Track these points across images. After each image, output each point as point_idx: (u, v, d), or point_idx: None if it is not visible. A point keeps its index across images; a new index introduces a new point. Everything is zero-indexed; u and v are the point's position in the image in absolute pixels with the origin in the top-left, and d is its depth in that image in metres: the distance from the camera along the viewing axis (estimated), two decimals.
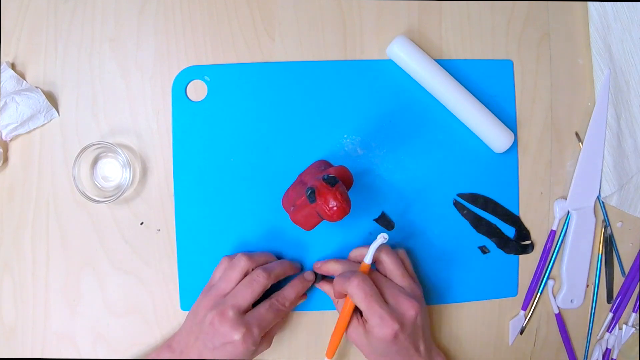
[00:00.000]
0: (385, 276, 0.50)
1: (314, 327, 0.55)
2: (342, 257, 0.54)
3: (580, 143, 0.57)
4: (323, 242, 0.54)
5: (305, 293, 0.53)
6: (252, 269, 0.50)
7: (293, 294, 0.51)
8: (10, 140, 0.53)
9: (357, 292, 0.46)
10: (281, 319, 0.51)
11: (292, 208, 0.49)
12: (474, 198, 0.55)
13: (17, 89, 0.52)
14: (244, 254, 0.50)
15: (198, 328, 0.47)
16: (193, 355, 0.47)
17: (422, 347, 0.48)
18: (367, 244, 0.54)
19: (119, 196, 0.51)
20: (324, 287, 0.53)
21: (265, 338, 0.49)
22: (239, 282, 0.49)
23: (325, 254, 0.54)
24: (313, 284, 0.53)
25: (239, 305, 0.47)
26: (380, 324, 0.45)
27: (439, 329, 0.56)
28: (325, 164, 0.53)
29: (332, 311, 0.55)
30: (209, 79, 0.54)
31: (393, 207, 0.55)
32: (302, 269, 0.54)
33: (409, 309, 0.46)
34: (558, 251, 0.56)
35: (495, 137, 0.53)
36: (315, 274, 0.54)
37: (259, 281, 0.48)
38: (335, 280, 0.49)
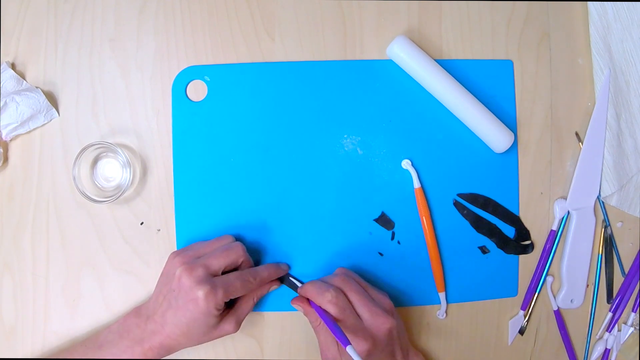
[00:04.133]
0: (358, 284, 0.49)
1: None
2: (342, 256, 0.54)
3: (580, 143, 0.57)
4: (323, 242, 0.54)
5: (278, 281, 0.53)
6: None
7: (265, 273, 0.50)
8: (10, 140, 0.53)
9: (331, 308, 0.46)
10: (249, 296, 0.50)
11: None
12: (474, 198, 0.55)
13: (17, 89, 0.52)
14: (242, 247, 0.50)
15: (167, 288, 0.47)
16: (157, 317, 0.46)
17: (398, 355, 0.48)
18: (367, 243, 0.54)
19: (119, 196, 0.51)
20: (295, 303, 0.50)
21: (232, 318, 0.48)
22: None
23: (326, 254, 0.54)
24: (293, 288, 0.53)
25: (209, 265, 0.46)
26: (354, 342, 0.44)
27: (439, 329, 0.56)
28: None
29: None
30: (209, 79, 0.54)
31: (393, 207, 0.55)
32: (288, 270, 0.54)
33: (383, 323, 0.46)
34: (556, 251, 0.56)
35: (495, 137, 0.53)
36: (289, 268, 0.54)
37: (236, 251, 0.48)
38: (307, 290, 0.48)
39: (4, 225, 0.53)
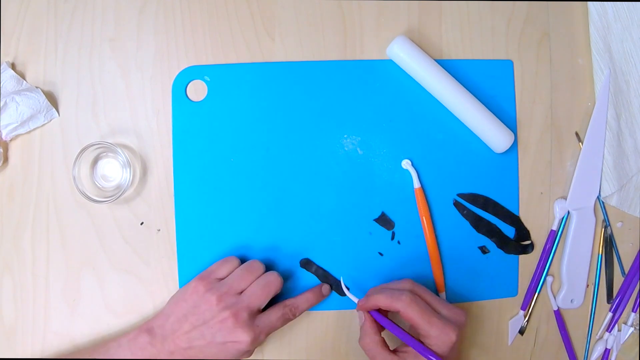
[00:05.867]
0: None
1: (314, 327, 0.55)
2: (342, 256, 0.54)
3: (580, 143, 0.57)
4: (323, 242, 0.54)
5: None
6: None
7: (306, 305, 0.51)
8: (10, 140, 0.53)
9: (412, 308, 0.45)
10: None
11: None
12: (474, 198, 0.55)
13: (17, 89, 0.52)
14: (279, 278, 0.50)
15: (196, 318, 0.47)
16: (181, 343, 0.46)
17: None
18: (367, 243, 0.54)
19: (119, 196, 0.51)
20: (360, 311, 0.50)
21: (263, 338, 0.49)
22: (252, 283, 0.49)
23: (326, 254, 0.54)
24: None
25: (252, 307, 0.47)
26: (440, 335, 0.45)
27: None
28: None
29: (332, 311, 0.55)
30: (209, 79, 0.54)
31: (393, 207, 0.55)
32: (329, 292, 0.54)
33: (462, 315, 0.47)
34: (556, 251, 0.56)
35: (495, 137, 0.53)
36: (331, 286, 0.54)
37: (275, 284, 0.49)
38: (378, 299, 0.47)
39: (4, 225, 0.53)
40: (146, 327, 0.48)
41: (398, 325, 0.47)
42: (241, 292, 0.48)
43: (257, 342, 0.47)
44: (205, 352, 0.46)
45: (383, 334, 0.49)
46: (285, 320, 0.50)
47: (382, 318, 0.48)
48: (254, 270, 0.50)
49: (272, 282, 0.49)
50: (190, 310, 0.47)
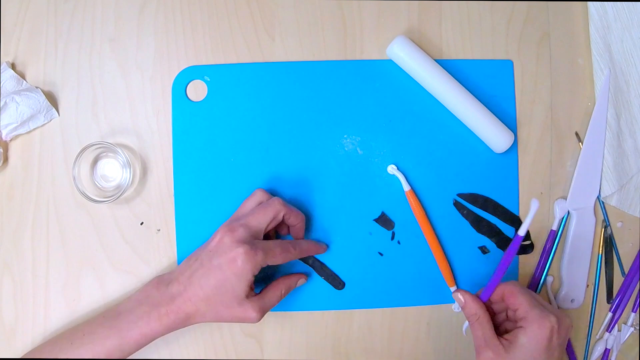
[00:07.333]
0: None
1: (314, 327, 0.55)
2: (342, 256, 0.54)
3: (580, 143, 0.57)
4: (323, 242, 0.54)
5: (306, 275, 0.53)
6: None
7: (305, 245, 0.50)
8: (10, 140, 0.53)
9: (519, 289, 0.47)
10: (277, 287, 0.48)
11: None
12: (474, 198, 0.55)
13: (17, 89, 0.52)
14: (280, 200, 0.48)
15: (202, 251, 0.46)
16: (182, 279, 0.45)
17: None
18: (367, 243, 0.54)
19: (119, 196, 0.51)
20: (457, 295, 0.50)
21: (257, 304, 0.46)
22: None
23: (326, 253, 0.54)
24: None
25: (249, 225, 0.46)
26: (540, 319, 0.45)
27: (439, 329, 0.56)
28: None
29: (332, 311, 0.55)
30: (209, 79, 0.54)
31: (393, 207, 0.55)
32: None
33: (566, 316, 0.47)
34: (556, 251, 0.56)
35: (495, 137, 0.53)
36: (328, 280, 0.54)
37: (273, 206, 0.47)
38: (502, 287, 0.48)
39: (4, 225, 0.53)
40: (157, 277, 0.48)
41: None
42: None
43: (254, 259, 0.43)
44: (203, 284, 0.44)
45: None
46: (284, 249, 0.47)
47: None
48: (255, 196, 0.50)
49: (270, 205, 0.47)
50: (200, 248, 0.47)
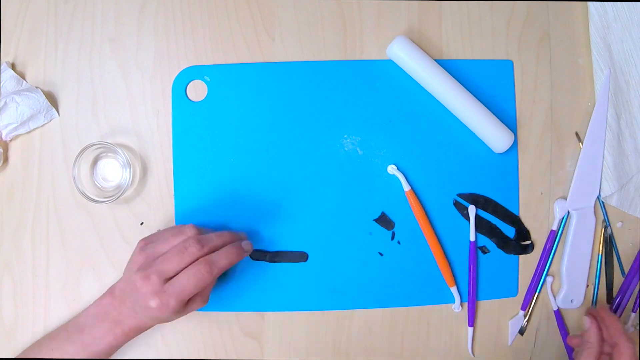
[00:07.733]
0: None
1: (314, 327, 0.55)
2: (342, 256, 0.54)
3: (580, 143, 0.57)
4: (323, 242, 0.54)
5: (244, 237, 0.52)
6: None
7: (224, 261, 0.47)
8: (10, 140, 0.53)
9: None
10: (208, 284, 0.47)
11: None
12: (474, 198, 0.55)
13: (17, 89, 0.52)
14: (195, 226, 0.48)
15: (129, 285, 0.46)
16: (128, 305, 0.46)
17: None
18: (367, 243, 0.54)
19: (119, 196, 0.51)
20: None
21: (198, 296, 0.47)
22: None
23: (326, 254, 0.54)
24: None
25: (163, 271, 0.45)
26: (628, 343, 0.47)
27: (439, 329, 0.56)
28: None
29: (332, 311, 0.55)
30: (209, 79, 0.54)
31: (393, 207, 0.55)
32: (247, 239, 0.52)
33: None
34: (556, 251, 0.56)
35: (495, 137, 0.53)
36: (279, 255, 0.53)
37: (191, 252, 0.45)
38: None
39: (4, 225, 0.54)
40: (110, 291, 0.48)
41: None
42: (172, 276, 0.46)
43: (168, 309, 0.44)
44: (144, 318, 0.46)
45: None
46: (200, 280, 0.45)
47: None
48: (181, 235, 0.47)
49: (188, 249, 0.46)
50: (131, 267, 0.47)
